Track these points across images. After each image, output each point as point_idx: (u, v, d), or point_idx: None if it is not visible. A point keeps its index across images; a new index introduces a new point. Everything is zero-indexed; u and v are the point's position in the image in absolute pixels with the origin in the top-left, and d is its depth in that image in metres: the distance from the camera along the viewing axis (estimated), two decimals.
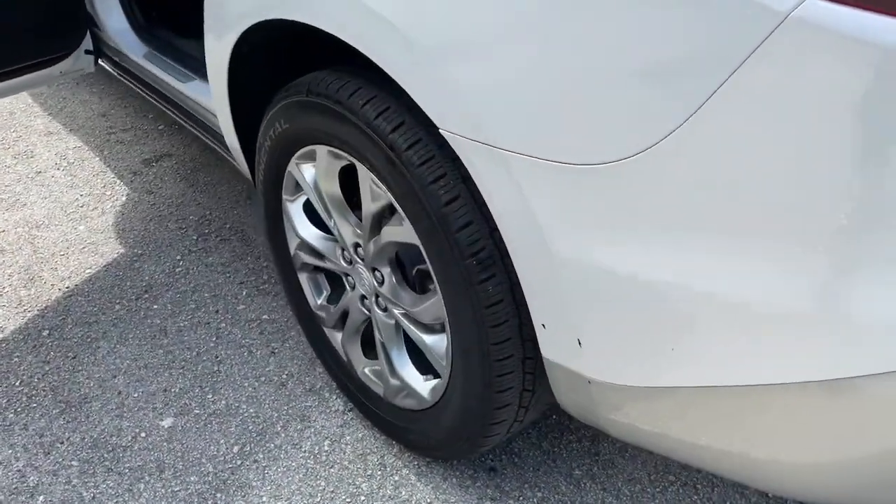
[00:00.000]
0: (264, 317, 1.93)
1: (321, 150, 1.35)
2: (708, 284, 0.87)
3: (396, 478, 1.51)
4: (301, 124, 1.35)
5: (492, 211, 1.03)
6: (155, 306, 1.96)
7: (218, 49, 1.50)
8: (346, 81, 1.24)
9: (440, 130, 1.03)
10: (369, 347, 1.57)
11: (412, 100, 1.06)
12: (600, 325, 0.99)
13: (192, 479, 1.52)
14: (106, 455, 1.57)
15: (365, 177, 1.26)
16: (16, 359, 1.81)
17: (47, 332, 1.88)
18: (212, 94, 1.66)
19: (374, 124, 1.17)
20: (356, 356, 1.58)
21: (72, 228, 2.25)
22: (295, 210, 1.55)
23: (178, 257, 2.14)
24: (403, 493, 1.48)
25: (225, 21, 1.43)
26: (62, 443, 1.60)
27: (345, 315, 1.57)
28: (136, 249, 2.17)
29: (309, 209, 1.55)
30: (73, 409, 1.67)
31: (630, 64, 0.83)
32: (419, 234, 1.19)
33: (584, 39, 0.86)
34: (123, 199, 2.39)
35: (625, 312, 0.96)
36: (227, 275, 2.07)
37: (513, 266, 1.10)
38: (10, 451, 1.58)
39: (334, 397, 1.70)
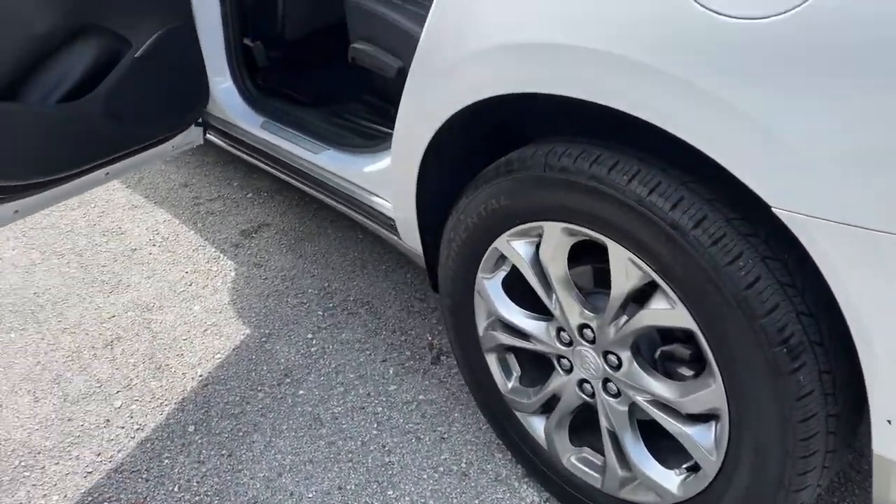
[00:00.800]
0: (420, 397, 1.80)
1: (552, 227, 1.25)
2: None
3: None
4: (529, 201, 1.26)
5: (837, 294, 0.93)
6: (301, 392, 1.83)
7: (420, 125, 1.40)
8: (597, 154, 1.15)
9: (773, 209, 0.93)
10: (573, 433, 1.46)
11: (684, 173, 0.98)
12: None
13: None
14: None
15: (619, 256, 1.16)
16: (166, 460, 1.66)
17: (192, 427, 1.74)
18: (393, 171, 1.56)
19: (647, 201, 1.08)
20: (562, 444, 1.46)
21: (187, 309, 2.12)
22: (492, 288, 1.45)
23: (309, 335, 2.01)
24: None
25: (444, 95, 1.33)
26: None
27: (550, 400, 1.45)
28: (262, 329, 2.04)
29: (507, 287, 1.45)
30: None
31: None
32: (698, 317, 1.09)
33: None
34: (232, 274, 2.27)
35: None
36: (367, 353, 1.94)
37: (824, 353, 1.01)
38: None
39: (525, 486, 1.57)
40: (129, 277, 2.27)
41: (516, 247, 1.34)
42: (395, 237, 1.74)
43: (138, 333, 2.04)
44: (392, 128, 1.93)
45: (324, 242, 2.42)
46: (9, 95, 1.51)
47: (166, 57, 1.84)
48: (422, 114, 1.40)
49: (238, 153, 2.23)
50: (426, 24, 1.32)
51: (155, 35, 1.79)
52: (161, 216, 2.59)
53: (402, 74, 1.89)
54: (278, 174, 2.12)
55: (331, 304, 2.13)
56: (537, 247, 1.32)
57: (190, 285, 2.23)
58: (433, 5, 1.30)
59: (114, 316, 2.11)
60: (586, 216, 1.17)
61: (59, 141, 1.64)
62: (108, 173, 1.91)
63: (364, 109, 2.14)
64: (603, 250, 1.20)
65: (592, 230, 1.18)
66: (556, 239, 1.26)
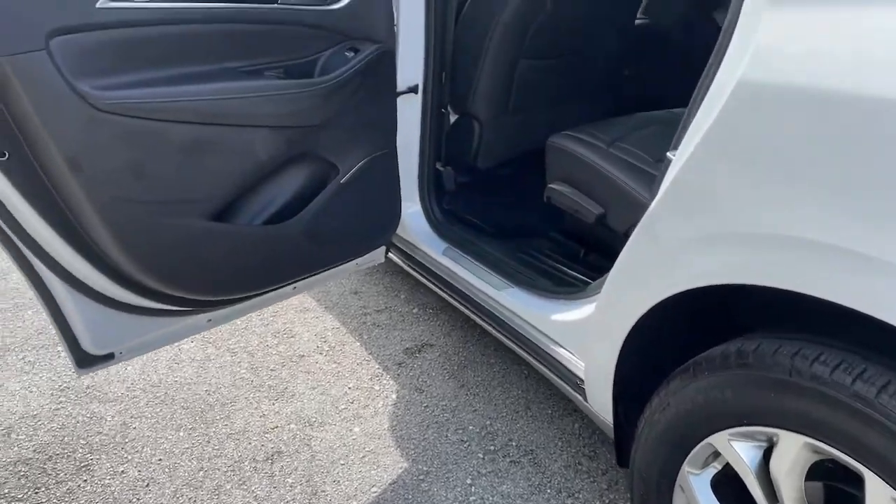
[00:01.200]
0: None
1: (791, 439, 1.07)
2: None
3: None
4: (765, 404, 1.10)
5: None
6: None
7: (634, 296, 1.30)
8: (861, 369, 0.98)
9: None
10: None
11: None
12: None
13: None
14: None
15: (883, 496, 0.97)
16: None
17: None
18: (594, 336, 1.46)
19: None
20: None
21: (347, 430, 2.08)
22: (700, 486, 1.27)
23: (469, 481, 1.89)
24: None
25: (668, 274, 1.22)
26: None
27: None
28: (419, 465, 1.94)
29: (715, 484, 1.27)
30: None
31: None
32: None
33: None
34: (394, 396, 2.22)
35: None
36: None
37: None
38: None
39: None
40: (294, 386, 2.28)
41: (739, 449, 1.17)
42: (580, 397, 1.61)
43: (298, 450, 2.00)
44: (584, 274, 1.83)
45: (487, 373, 2.32)
46: (222, 216, 1.57)
47: (368, 183, 1.87)
48: (637, 286, 1.30)
49: (417, 275, 2.21)
50: (659, 195, 1.22)
51: (361, 162, 1.83)
52: (330, 322, 2.62)
53: (601, 221, 1.81)
54: (455, 303, 2.07)
55: (492, 447, 2.00)
56: (765, 452, 1.15)
57: (352, 403, 2.19)
58: (668, 175, 1.21)
59: (276, 427, 2.10)
60: (844, 439, 1.00)
61: (262, 260, 1.67)
62: (295, 287, 1.94)
63: (553, 248, 2.07)
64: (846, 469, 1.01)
65: (850, 456, 1.00)
66: (795, 454, 1.08)
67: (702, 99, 1.17)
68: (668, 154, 1.29)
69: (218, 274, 1.62)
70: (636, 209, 1.68)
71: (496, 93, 2.14)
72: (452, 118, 2.28)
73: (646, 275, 1.27)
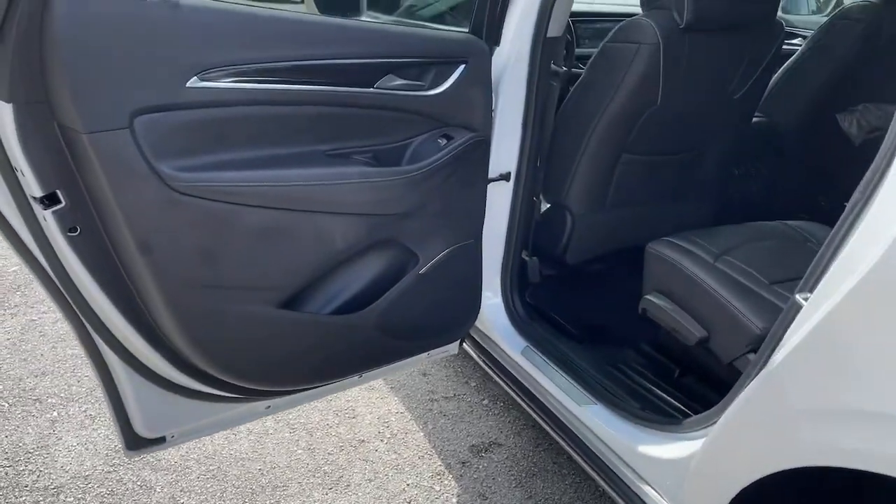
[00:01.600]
0: None
1: None
2: None
3: None
4: None
5: None
6: None
7: (744, 461, 1.11)
8: None
9: None
10: None
11: None
12: None
13: None
14: None
15: None
16: None
17: None
18: (694, 487, 1.27)
19: None
20: None
21: None
22: None
23: None
24: None
25: (779, 445, 1.04)
26: None
27: None
28: None
29: None
30: None
31: None
32: None
33: None
34: (454, 501, 2.05)
35: None
36: None
37: None
38: None
39: None
40: (350, 475, 2.14)
41: None
42: None
43: None
44: (679, 399, 1.64)
45: (558, 484, 2.12)
46: (291, 303, 1.48)
47: (448, 274, 1.75)
48: (750, 446, 1.11)
49: (491, 373, 2.07)
50: (788, 346, 1.04)
51: (444, 251, 1.72)
52: (394, 405, 2.49)
53: (704, 344, 1.63)
54: (529, 410, 1.91)
55: None
56: None
57: (409, 502, 2.04)
58: (801, 324, 1.03)
59: None
60: None
61: (329, 352, 1.57)
62: (361, 376, 1.82)
63: (644, 365, 1.88)
64: None
65: None
66: None
67: (850, 230, 0.99)
68: (796, 296, 1.11)
69: (283, 365, 1.53)
70: (744, 337, 1.49)
71: (594, 187, 2.00)
72: (544, 206, 2.15)
73: (762, 437, 1.08)
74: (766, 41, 1.90)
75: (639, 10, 3.00)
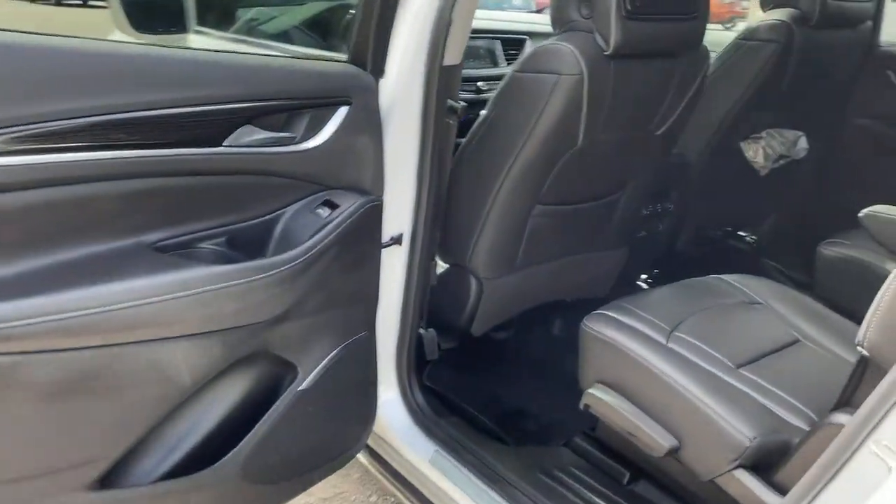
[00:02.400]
0: None
1: None
2: None
3: None
4: None
5: None
6: None
7: None
8: None
9: None
10: None
11: None
12: None
13: None
14: None
15: None
16: None
17: None
18: None
19: None
20: None
21: None
22: None
23: None
24: None
25: None
26: None
27: None
28: None
29: None
30: None
31: None
32: None
33: None
34: None
35: None
36: None
37: None
38: None
39: None
40: None
41: None
42: None
43: None
44: None
45: None
46: (114, 473, 0.98)
47: (337, 381, 1.31)
48: None
49: (392, 488, 1.64)
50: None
51: (330, 354, 1.28)
52: None
53: (674, 454, 1.31)
54: None
55: None
56: None
57: None
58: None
59: None
60: None
61: None
62: None
63: (584, 469, 1.51)
64: None
65: None
66: None
67: None
68: (833, 417, 0.81)
69: None
70: (730, 450, 1.18)
71: (505, 247, 1.64)
72: (440, 268, 1.76)
73: None
74: (693, 67, 1.64)
75: (517, 26, 2.70)
